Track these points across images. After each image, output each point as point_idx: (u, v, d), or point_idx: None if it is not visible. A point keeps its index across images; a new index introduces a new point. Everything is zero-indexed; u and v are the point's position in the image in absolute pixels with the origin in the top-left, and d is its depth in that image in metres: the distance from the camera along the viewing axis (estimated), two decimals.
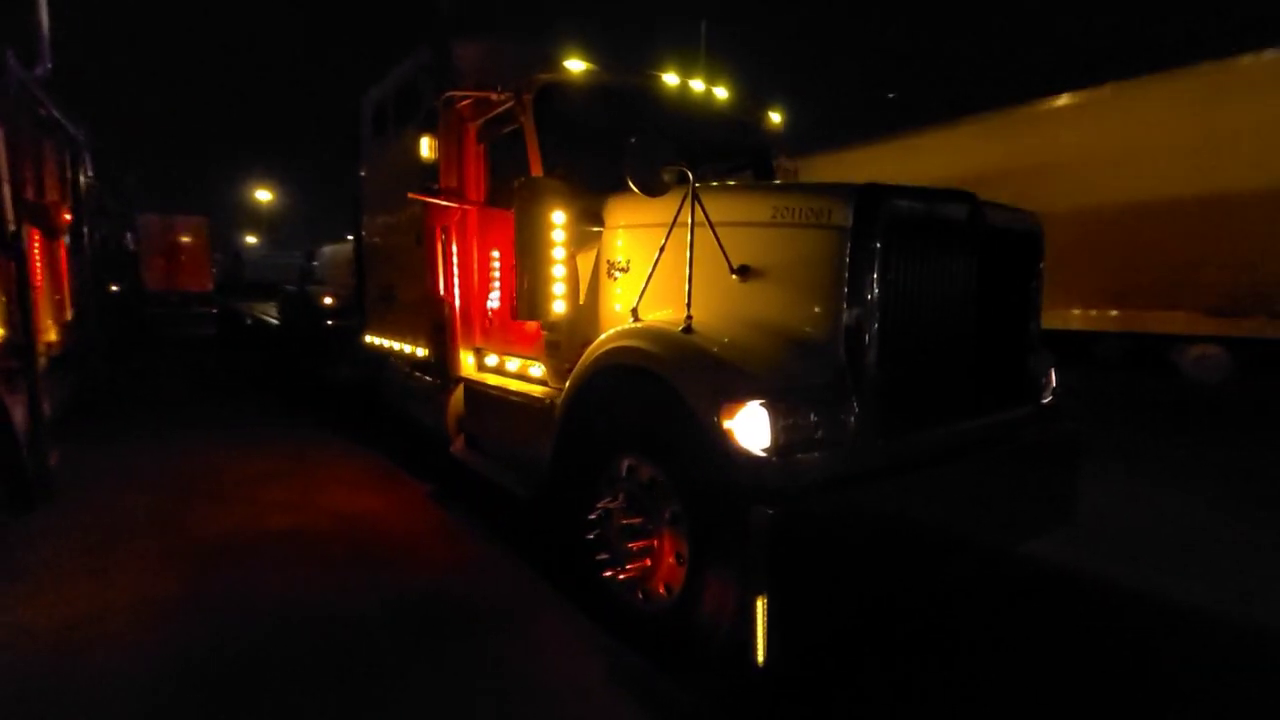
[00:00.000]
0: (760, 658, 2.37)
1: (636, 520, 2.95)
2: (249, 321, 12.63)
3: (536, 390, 4.21)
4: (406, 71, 5.38)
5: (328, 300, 8.31)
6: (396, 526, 4.65)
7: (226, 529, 4.56)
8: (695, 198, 2.80)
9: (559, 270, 3.62)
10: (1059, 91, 9.07)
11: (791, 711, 2.73)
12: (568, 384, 3.46)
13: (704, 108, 4.61)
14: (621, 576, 3.00)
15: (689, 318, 2.85)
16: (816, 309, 2.77)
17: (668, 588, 2.92)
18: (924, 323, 2.92)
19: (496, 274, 4.65)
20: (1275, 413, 8.15)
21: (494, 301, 4.63)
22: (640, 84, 4.43)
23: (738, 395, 2.53)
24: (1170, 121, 8.18)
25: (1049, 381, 3.75)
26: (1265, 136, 7.40)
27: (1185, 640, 3.29)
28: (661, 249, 3.03)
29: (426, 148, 4.11)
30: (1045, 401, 3.69)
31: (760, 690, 2.77)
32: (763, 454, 2.48)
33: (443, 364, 5.02)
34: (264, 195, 59.21)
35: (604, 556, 3.14)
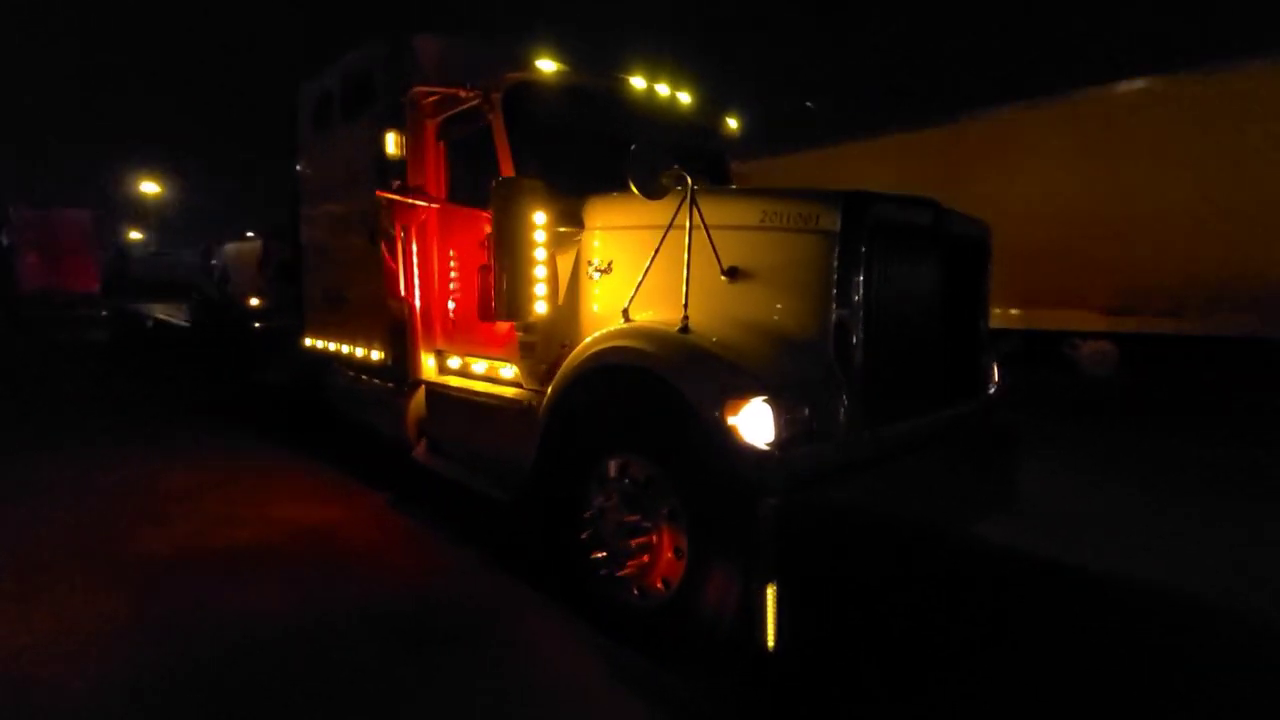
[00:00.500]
0: (770, 644, 2.48)
1: (634, 518, 3.00)
2: (150, 324, 11.72)
3: (508, 392, 4.18)
4: (357, 63, 5.18)
5: (254, 301, 7.85)
6: (360, 536, 4.49)
7: (170, 546, 4.26)
8: (694, 202, 2.88)
9: (540, 271, 3.62)
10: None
11: (790, 702, 2.84)
12: (554, 384, 3.47)
13: (667, 111, 4.71)
14: (620, 574, 3.04)
15: (685, 318, 2.93)
16: (806, 309, 2.92)
17: (665, 582, 2.99)
18: (899, 321, 3.13)
19: (454, 274, 4.59)
20: (1163, 401, 9.08)
21: (458, 302, 4.55)
22: (608, 86, 4.47)
23: (741, 392, 2.63)
24: (1064, 141, 9.01)
25: (993, 375, 4.08)
26: (1143, 156, 8.29)
27: (1159, 620, 3.58)
28: (656, 251, 3.10)
29: (392, 144, 4.00)
30: (991, 394, 4.01)
31: (761, 681, 2.87)
32: (766, 448, 2.60)
33: (402, 367, 4.88)
34: (150, 188, 54.85)
35: (600, 555, 3.17)
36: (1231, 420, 7.99)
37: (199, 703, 2.73)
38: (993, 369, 4.07)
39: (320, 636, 3.21)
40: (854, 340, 2.86)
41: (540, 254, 3.61)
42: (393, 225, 4.66)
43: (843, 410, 2.86)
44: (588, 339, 3.38)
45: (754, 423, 2.61)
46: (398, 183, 4.10)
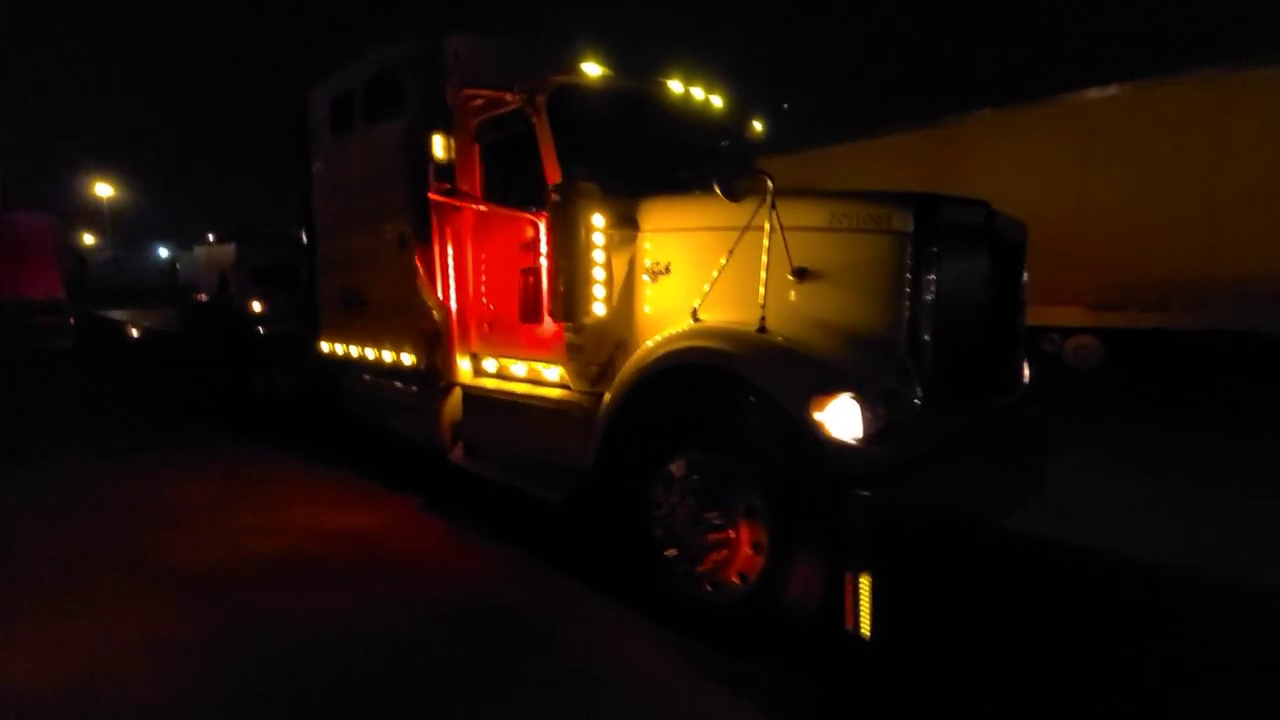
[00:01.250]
0: (866, 631, 2.56)
1: (712, 514, 3.05)
2: (135, 333, 11.35)
3: (553, 393, 4.20)
4: (382, 64, 5.13)
5: (257, 306, 7.69)
6: (400, 542, 4.45)
7: (206, 558, 4.16)
8: (773, 205, 2.95)
9: (599, 273, 3.65)
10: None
11: (879, 685, 2.90)
12: (618, 384, 3.49)
13: (700, 114, 4.77)
14: (699, 569, 3.09)
15: (763, 318, 2.99)
16: (877, 307, 3.00)
17: (742, 576, 3.04)
18: (957, 318, 3.23)
19: (493, 277, 4.59)
20: (1144, 392, 9.45)
21: (497, 305, 4.54)
22: (646, 89, 4.52)
23: (827, 389, 2.71)
24: (1040, 145, 9.36)
25: (1025, 370, 4.23)
26: (1125, 159, 8.65)
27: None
28: (731, 252, 3.15)
29: (440, 147, 3.98)
30: (1025, 387, 4.16)
31: (853, 667, 2.94)
32: (853, 442, 2.68)
33: (436, 370, 4.86)
34: (104, 190, 52.93)
35: (672, 552, 3.21)
36: (1221, 411, 8.32)
37: (293, 713, 2.70)
38: (1024, 364, 4.22)
39: (394, 643, 3.19)
40: (925, 337, 2.95)
41: (600, 256, 3.64)
42: (429, 228, 4.63)
43: (914, 405, 2.95)
44: (655, 339, 3.43)
45: (841, 418, 2.68)
46: (446, 185, 4.07)
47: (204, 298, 11.25)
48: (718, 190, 2.98)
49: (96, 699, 2.76)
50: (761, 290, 3.01)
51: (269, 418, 7.43)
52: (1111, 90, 9.11)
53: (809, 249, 3.14)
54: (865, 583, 2.55)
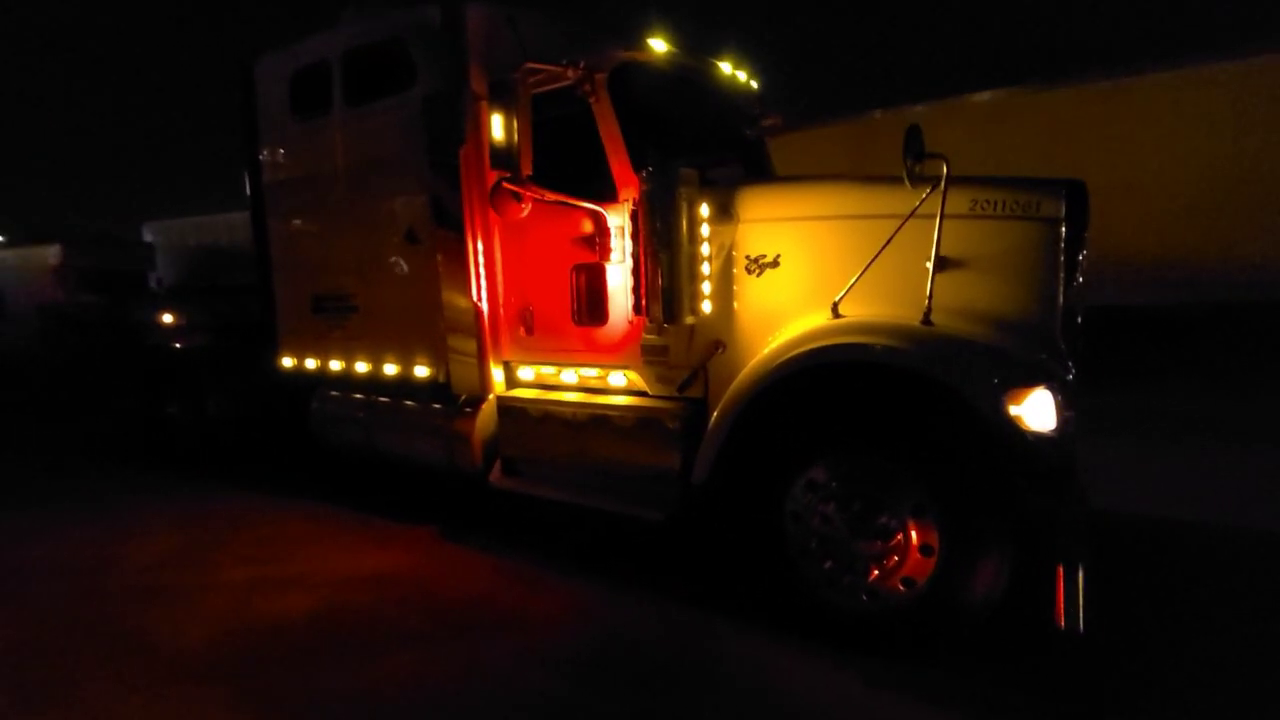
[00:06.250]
0: (1080, 625, 2.51)
1: (884, 519, 2.88)
2: None
3: (625, 401, 3.83)
4: (378, 33, 4.42)
5: (167, 319, 6.49)
6: (448, 585, 3.86)
7: (218, 629, 3.40)
8: (945, 191, 2.81)
9: (706, 268, 3.35)
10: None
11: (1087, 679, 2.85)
12: (740, 388, 3.19)
13: (739, 97, 4.55)
14: (868, 580, 2.91)
15: (928, 310, 2.85)
16: (1029, 295, 2.94)
17: (907, 581, 2.90)
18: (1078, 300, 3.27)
19: (525, 274, 4.13)
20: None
21: (544, 306, 4.08)
22: (701, 69, 4.23)
23: (1023, 381, 2.62)
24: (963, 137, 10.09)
25: None
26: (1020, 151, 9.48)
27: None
28: (888, 242, 2.96)
29: (500, 129, 3.45)
30: None
31: (1069, 662, 2.88)
32: (1050, 434, 2.61)
33: (458, 383, 4.30)
34: None
35: (828, 564, 3.01)
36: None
37: None
38: None
39: (550, 709, 2.73)
40: (1078, 320, 2.96)
41: (704, 249, 3.34)
42: (458, 221, 4.07)
43: (1073, 390, 2.95)
44: (785, 336, 3.18)
45: (1038, 411, 2.61)
46: (506, 174, 3.55)
47: (61, 301, 9.47)
48: (905, 177, 2.80)
49: None
50: (928, 281, 2.87)
51: (199, 450, 6.30)
52: (981, 95, 10.05)
53: (948, 237, 3.03)
54: (1080, 573, 2.51)
